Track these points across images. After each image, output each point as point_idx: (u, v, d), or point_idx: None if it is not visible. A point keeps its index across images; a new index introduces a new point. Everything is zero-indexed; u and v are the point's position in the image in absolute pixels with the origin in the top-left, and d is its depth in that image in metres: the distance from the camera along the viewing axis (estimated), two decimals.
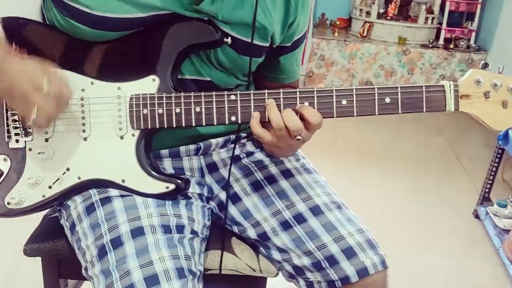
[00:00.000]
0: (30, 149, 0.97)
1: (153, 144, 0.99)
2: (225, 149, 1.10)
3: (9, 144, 0.98)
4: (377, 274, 0.97)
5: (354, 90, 0.91)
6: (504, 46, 3.71)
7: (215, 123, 0.93)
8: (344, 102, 0.91)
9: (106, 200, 0.96)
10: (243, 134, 1.14)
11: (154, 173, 0.96)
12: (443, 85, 0.90)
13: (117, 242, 0.89)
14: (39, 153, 0.97)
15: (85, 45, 0.96)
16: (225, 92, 0.92)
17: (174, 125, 0.94)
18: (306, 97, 0.91)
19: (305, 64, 4.07)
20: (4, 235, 1.78)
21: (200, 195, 1.07)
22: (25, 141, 0.97)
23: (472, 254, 2.13)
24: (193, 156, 1.07)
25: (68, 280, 1.22)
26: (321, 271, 0.98)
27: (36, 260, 1.10)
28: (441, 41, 4.10)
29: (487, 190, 2.37)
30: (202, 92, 0.93)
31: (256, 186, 1.07)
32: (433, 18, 4.14)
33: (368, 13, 4.20)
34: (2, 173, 0.98)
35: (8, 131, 0.98)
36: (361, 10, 4.26)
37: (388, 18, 4.15)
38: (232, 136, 1.10)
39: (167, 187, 0.96)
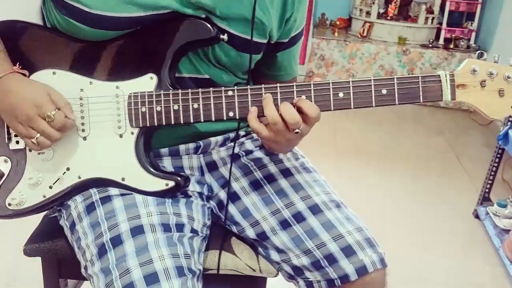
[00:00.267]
0: (30, 150, 0.98)
1: (152, 142, 0.99)
2: (224, 147, 1.11)
3: (10, 145, 0.99)
4: (376, 272, 0.97)
5: (350, 82, 0.91)
6: (504, 46, 3.71)
7: (213, 119, 0.94)
8: (341, 94, 0.91)
9: (106, 199, 0.96)
10: (242, 133, 1.15)
11: (153, 170, 0.96)
12: (439, 75, 0.91)
13: (117, 241, 0.89)
14: (39, 153, 0.97)
15: (82, 45, 0.97)
16: (222, 88, 0.93)
17: (173, 122, 0.94)
18: (303, 91, 0.92)
19: (305, 64, 4.08)
20: (4, 235, 1.78)
21: (200, 194, 1.07)
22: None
23: (472, 254, 2.13)
24: (193, 155, 1.07)
25: (68, 280, 1.22)
26: (320, 270, 0.98)
27: (36, 260, 1.11)
28: (441, 41, 4.10)
29: (487, 190, 2.37)
30: (200, 89, 0.93)
31: (256, 185, 1.07)
32: (433, 18, 4.14)
33: (368, 13, 4.20)
34: (3, 174, 0.98)
35: (9, 133, 0.98)
36: (361, 10, 4.26)
37: (388, 18, 4.15)
38: (232, 135, 1.11)
39: (166, 184, 0.96)
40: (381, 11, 4.20)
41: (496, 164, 2.30)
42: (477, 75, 0.90)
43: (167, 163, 1.06)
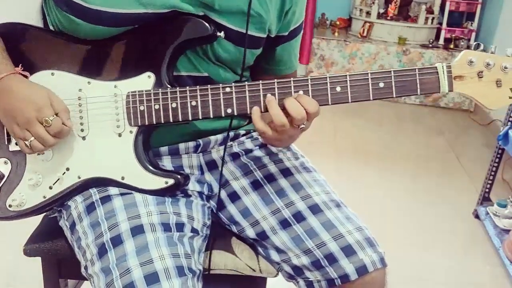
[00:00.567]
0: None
1: (152, 141, 1.00)
2: (224, 146, 1.10)
3: (9, 147, 0.99)
4: (376, 272, 0.97)
5: (348, 76, 0.91)
6: (504, 46, 3.70)
7: (211, 116, 0.94)
8: (338, 88, 0.91)
9: (106, 199, 0.96)
10: (242, 132, 1.15)
11: (153, 169, 0.96)
12: (436, 67, 0.91)
13: (117, 241, 0.89)
14: (38, 154, 0.97)
15: (80, 46, 0.97)
16: (220, 85, 0.93)
17: (171, 120, 0.94)
18: (300, 86, 0.92)
19: (308, 63, 4.08)
20: (4, 235, 1.78)
21: (200, 193, 1.07)
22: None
23: (472, 254, 2.13)
24: (193, 154, 1.07)
25: (68, 280, 1.22)
26: (321, 270, 0.98)
27: (36, 260, 1.11)
28: (441, 41, 4.10)
29: (487, 190, 2.36)
30: (198, 86, 0.93)
31: (255, 185, 1.07)
32: (433, 18, 4.13)
33: (368, 13, 4.20)
34: (3, 176, 0.98)
35: (8, 134, 0.98)
36: (361, 10, 4.26)
37: (388, 18, 4.15)
38: (232, 133, 1.11)
39: (166, 182, 0.96)
40: (381, 11, 4.20)
41: (496, 164, 2.30)
42: (474, 66, 0.90)
43: (167, 162, 1.06)
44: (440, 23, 4.13)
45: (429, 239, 2.22)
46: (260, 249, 1.06)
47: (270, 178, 1.07)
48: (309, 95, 0.91)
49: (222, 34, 0.96)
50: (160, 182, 0.96)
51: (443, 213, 2.43)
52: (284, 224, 1.02)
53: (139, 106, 0.95)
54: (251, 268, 1.06)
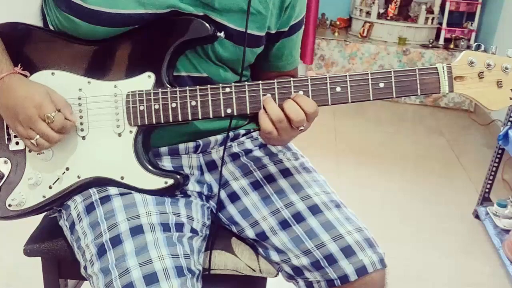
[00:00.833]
0: (30, 151, 0.98)
1: (152, 142, 1.00)
2: (224, 146, 1.10)
3: (9, 146, 0.99)
4: (375, 273, 0.97)
5: (348, 76, 0.91)
6: (504, 46, 3.70)
7: (211, 116, 0.94)
8: (338, 89, 0.91)
9: (105, 199, 0.96)
10: (242, 132, 1.15)
11: (152, 169, 0.96)
12: (437, 67, 0.90)
13: (116, 241, 0.89)
14: (38, 154, 0.97)
15: (80, 45, 0.97)
16: (220, 85, 0.93)
17: (171, 120, 0.94)
18: (300, 86, 0.92)
19: (312, 63, 4.08)
20: (4, 235, 1.79)
21: (200, 194, 1.07)
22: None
23: (472, 254, 2.13)
24: (192, 154, 1.07)
25: (68, 280, 1.22)
26: (320, 270, 0.98)
27: (36, 260, 1.11)
28: (441, 41, 4.09)
29: (487, 190, 2.36)
30: (197, 86, 0.93)
31: (255, 185, 1.07)
32: (433, 18, 4.13)
33: (368, 13, 4.19)
34: (3, 175, 0.99)
35: (8, 134, 0.99)
36: (361, 10, 4.25)
37: (388, 18, 4.15)
38: (232, 134, 1.11)
39: (165, 182, 0.96)
40: (381, 11, 4.20)
41: (496, 164, 2.30)
42: (475, 66, 0.90)
43: (167, 162, 1.06)
44: (440, 23, 4.13)
45: (429, 239, 2.22)
46: (260, 249, 1.06)
47: (270, 178, 1.07)
48: (309, 95, 0.91)
49: (222, 34, 0.96)
50: (159, 182, 0.96)
51: (443, 213, 2.43)
52: (284, 224, 1.01)
53: (139, 106, 0.95)
54: (251, 268, 1.06)
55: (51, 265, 1.11)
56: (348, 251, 0.97)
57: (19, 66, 0.95)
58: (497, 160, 2.29)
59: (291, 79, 0.92)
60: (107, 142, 0.97)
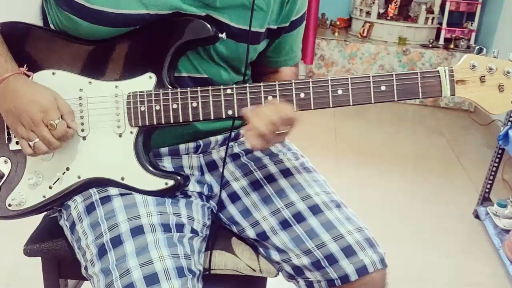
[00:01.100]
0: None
1: (152, 142, 1.00)
2: (224, 147, 1.10)
3: (10, 146, 0.99)
4: (376, 273, 0.97)
5: (349, 79, 0.91)
6: (504, 46, 3.70)
7: (212, 117, 0.94)
8: (339, 91, 0.91)
9: (106, 199, 0.96)
10: (242, 131, 1.14)
11: (153, 169, 0.96)
12: (438, 71, 0.90)
13: (117, 241, 0.89)
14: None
15: (82, 45, 0.97)
16: (221, 87, 0.93)
17: (172, 121, 0.94)
18: (301, 88, 0.92)
19: (312, 64, 4.07)
20: (4, 235, 1.78)
21: (200, 194, 1.07)
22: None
23: (472, 254, 2.13)
24: (193, 154, 1.07)
25: (68, 280, 1.22)
26: (321, 270, 0.98)
27: (36, 260, 1.11)
28: (441, 41, 4.09)
29: (487, 190, 2.36)
30: (199, 87, 0.93)
31: (256, 185, 1.07)
32: (433, 18, 4.13)
33: (368, 13, 4.19)
34: (3, 175, 0.98)
35: (9, 133, 0.99)
36: (361, 10, 4.25)
37: (388, 18, 4.15)
38: (232, 134, 1.10)
39: (166, 183, 0.96)
40: (381, 11, 4.20)
41: (496, 164, 2.30)
42: (477, 70, 0.90)
43: (167, 163, 1.06)
44: (440, 23, 4.13)
45: (429, 239, 2.22)
46: (260, 249, 1.06)
47: (270, 178, 1.07)
48: (310, 98, 0.91)
49: (224, 36, 0.96)
50: (160, 183, 0.96)
51: (443, 213, 2.43)
52: (284, 224, 1.01)
53: (140, 107, 0.95)
54: (251, 268, 1.06)
55: (51, 265, 1.11)
56: (348, 251, 0.97)
57: (24, 66, 0.95)
58: (497, 160, 2.29)
59: (293, 81, 0.92)
60: (108, 143, 0.96)
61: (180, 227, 0.95)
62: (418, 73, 0.91)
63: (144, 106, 0.95)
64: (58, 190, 0.98)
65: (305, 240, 0.99)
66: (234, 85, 0.93)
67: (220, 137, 1.09)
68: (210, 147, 1.09)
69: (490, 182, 2.35)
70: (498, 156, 2.28)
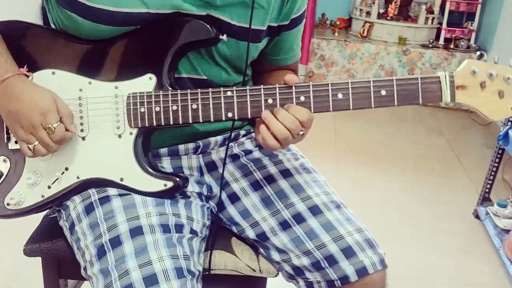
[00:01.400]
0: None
1: (152, 143, 0.99)
2: (224, 147, 1.10)
3: (9, 145, 0.99)
4: (376, 274, 0.97)
5: (349, 83, 0.91)
6: (504, 46, 3.70)
7: (212, 120, 0.94)
8: (340, 95, 0.91)
9: (105, 200, 0.96)
10: (242, 132, 1.15)
11: (152, 171, 0.96)
12: (439, 76, 0.90)
13: (116, 242, 0.89)
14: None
15: (82, 45, 0.97)
16: (221, 89, 0.93)
17: (172, 123, 0.94)
18: (302, 92, 0.92)
19: (307, 64, 4.07)
20: (4, 235, 1.78)
21: (200, 194, 1.07)
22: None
23: (472, 254, 2.13)
24: (192, 155, 1.07)
25: (68, 280, 1.22)
26: (321, 271, 0.98)
27: (36, 260, 1.10)
28: (441, 41, 4.09)
29: (487, 190, 2.36)
30: (199, 89, 0.93)
31: (255, 186, 1.07)
32: (433, 18, 4.13)
33: (368, 13, 4.19)
34: (2, 174, 0.98)
35: (8, 133, 0.98)
36: (361, 10, 4.25)
37: (388, 18, 4.15)
38: (232, 134, 1.10)
39: (165, 185, 0.96)
40: (381, 11, 4.20)
41: (496, 164, 2.30)
42: (477, 76, 0.90)
43: (166, 163, 1.05)
44: (440, 23, 4.13)
45: (429, 239, 2.22)
46: (260, 249, 1.06)
47: (270, 179, 1.07)
48: (310, 101, 0.91)
49: (225, 37, 0.95)
50: (159, 185, 0.96)
51: (443, 213, 2.43)
52: (284, 225, 1.01)
53: (140, 108, 0.95)
54: (251, 268, 1.06)
55: (51, 265, 1.11)
56: (348, 252, 0.97)
57: (25, 67, 0.95)
58: (497, 160, 2.29)
59: (294, 85, 0.92)
60: (107, 143, 0.96)
61: (179, 228, 0.95)
62: (419, 78, 0.91)
63: (144, 107, 0.95)
64: (57, 190, 0.98)
65: (305, 241, 0.99)
66: (234, 87, 0.93)
67: (219, 138, 1.08)
68: (210, 148, 1.08)
69: (490, 182, 2.35)
70: (498, 156, 2.28)
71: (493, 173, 2.33)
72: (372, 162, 2.95)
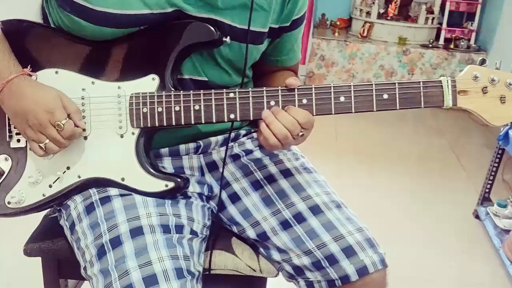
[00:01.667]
0: (31, 149, 0.97)
1: (153, 143, 0.99)
2: (224, 147, 1.10)
3: (11, 143, 0.99)
4: (376, 273, 0.97)
5: (352, 86, 0.91)
6: (504, 46, 3.71)
7: (214, 121, 0.94)
8: (342, 98, 0.92)
9: (105, 200, 0.96)
10: (242, 132, 1.15)
11: (153, 171, 0.96)
12: (441, 81, 0.91)
13: (116, 242, 0.89)
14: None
15: (85, 45, 0.97)
16: (224, 90, 0.93)
17: (174, 123, 0.94)
18: (304, 94, 0.92)
19: (305, 64, 4.07)
20: (4, 235, 1.78)
21: (200, 194, 1.07)
22: (26, 141, 0.98)
23: (472, 254, 2.13)
24: (193, 155, 1.07)
25: (68, 280, 1.22)
26: (321, 270, 0.98)
27: (36, 260, 1.10)
28: (441, 41, 4.10)
29: (487, 190, 2.36)
30: (201, 90, 0.93)
31: (256, 186, 1.07)
32: (433, 18, 4.13)
33: (368, 13, 4.19)
34: (3, 173, 0.98)
35: (10, 131, 0.99)
36: (361, 10, 4.25)
37: (388, 18, 4.15)
38: (233, 134, 1.11)
39: (166, 185, 0.96)
40: (381, 11, 4.20)
41: (496, 164, 2.30)
42: (479, 81, 0.90)
43: (167, 163, 1.05)
44: (440, 23, 4.13)
45: (429, 239, 2.22)
46: (261, 249, 1.06)
47: (271, 179, 1.07)
48: (312, 104, 0.92)
49: (228, 39, 0.96)
50: (160, 185, 0.96)
51: (443, 213, 2.43)
52: (285, 225, 1.01)
53: (142, 108, 0.95)
54: (251, 268, 1.06)
55: (51, 265, 1.11)
56: (349, 251, 0.97)
57: (28, 67, 0.94)
58: (497, 160, 2.29)
59: (296, 87, 0.92)
60: (109, 143, 0.96)
61: (179, 228, 0.95)
62: (421, 83, 0.91)
63: (147, 108, 0.95)
64: (58, 189, 0.98)
65: (306, 241, 0.99)
66: (237, 89, 0.93)
67: (220, 138, 1.08)
68: (210, 148, 1.08)
69: (490, 182, 2.35)
70: (498, 156, 2.28)
71: (493, 173, 2.33)
72: (372, 162, 2.95)
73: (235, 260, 1.05)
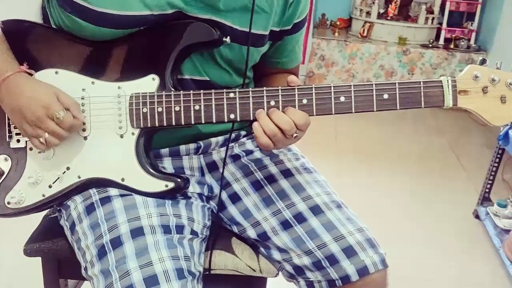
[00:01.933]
0: (30, 149, 0.98)
1: (153, 143, 0.99)
2: (225, 148, 1.10)
3: (10, 143, 0.99)
4: (377, 273, 0.97)
5: (352, 86, 0.91)
6: (504, 46, 3.71)
7: (214, 121, 0.94)
8: (342, 98, 0.91)
9: (105, 200, 0.96)
10: (243, 132, 1.15)
11: (153, 171, 0.96)
12: (441, 81, 0.91)
13: (116, 242, 0.89)
14: (39, 152, 0.97)
15: (85, 45, 0.97)
16: (224, 90, 0.93)
17: (174, 123, 0.94)
18: (304, 94, 0.92)
19: (305, 64, 4.08)
20: (4, 235, 1.78)
21: (200, 195, 1.07)
22: (26, 141, 0.98)
23: (472, 254, 2.13)
24: (193, 155, 1.07)
25: (68, 280, 1.22)
26: (321, 270, 0.98)
27: (36, 260, 1.10)
28: (441, 41, 4.10)
29: (487, 190, 2.36)
30: (201, 90, 0.93)
31: (256, 186, 1.07)
32: (433, 18, 4.13)
33: (368, 13, 4.19)
34: (3, 173, 0.98)
35: (10, 131, 0.99)
36: (361, 10, 4.25)
37: (388, 18, 4.15)
38: (233, 135, 1.10)
39: (166, 186, 0.96)
40: (381, 11, 4.20)
41: (496, 164, 2.30)
42: (479, 81, 0.90)
43: (168, 164, 1.05)
44: (440, 23, 4.13)
45: (429, 239, 2.22)
46: (261, 249, 1.06)
47: (271, 179, 1.07)
48: (312, 104, 0.92)
49: (228, 40, 0.96)
50: (160, 185, 0.96)
51: (443, 213, 2.43)
52: (285, 225, 1.01)
53: (142, 108, 0.95)
54: (251, 268, 1.06)
55: (51, 265, 1.11)
56: (349, 252, 0.97)
57: (25, 64, 0.95)
58: (497, 160, 2.29)
59: (296, 87, 0.92)
60: (109, 143, 0.96)
61: (180, 229, 0.95)
62: (421, 82, 0.91)
63: (147, 108, 0.95)
64: (58, 190, 0.98)
65: (306, 241, 0.99)
66: (237, 89, 0.93)
67: (220, 138, 1.08)
68: (211, 148, 1.08)
69: (490, 182, 2.35)
70: (498, 156, 2.28)
71: (493, 173, 2.33)
72: (372, 162, 2.95)
73: (235, 260, 1.06)
